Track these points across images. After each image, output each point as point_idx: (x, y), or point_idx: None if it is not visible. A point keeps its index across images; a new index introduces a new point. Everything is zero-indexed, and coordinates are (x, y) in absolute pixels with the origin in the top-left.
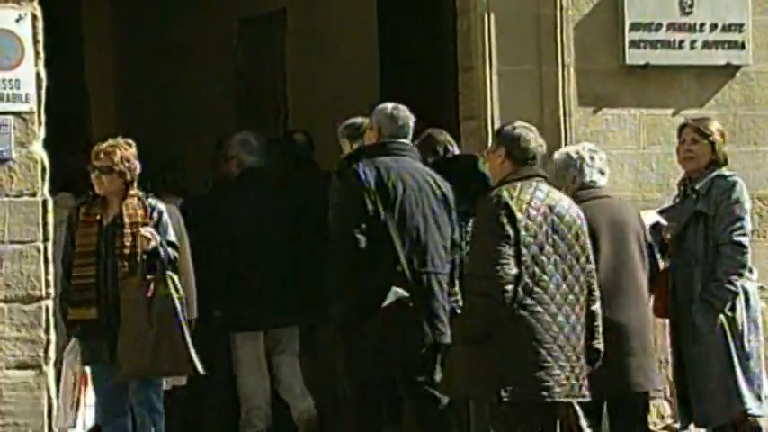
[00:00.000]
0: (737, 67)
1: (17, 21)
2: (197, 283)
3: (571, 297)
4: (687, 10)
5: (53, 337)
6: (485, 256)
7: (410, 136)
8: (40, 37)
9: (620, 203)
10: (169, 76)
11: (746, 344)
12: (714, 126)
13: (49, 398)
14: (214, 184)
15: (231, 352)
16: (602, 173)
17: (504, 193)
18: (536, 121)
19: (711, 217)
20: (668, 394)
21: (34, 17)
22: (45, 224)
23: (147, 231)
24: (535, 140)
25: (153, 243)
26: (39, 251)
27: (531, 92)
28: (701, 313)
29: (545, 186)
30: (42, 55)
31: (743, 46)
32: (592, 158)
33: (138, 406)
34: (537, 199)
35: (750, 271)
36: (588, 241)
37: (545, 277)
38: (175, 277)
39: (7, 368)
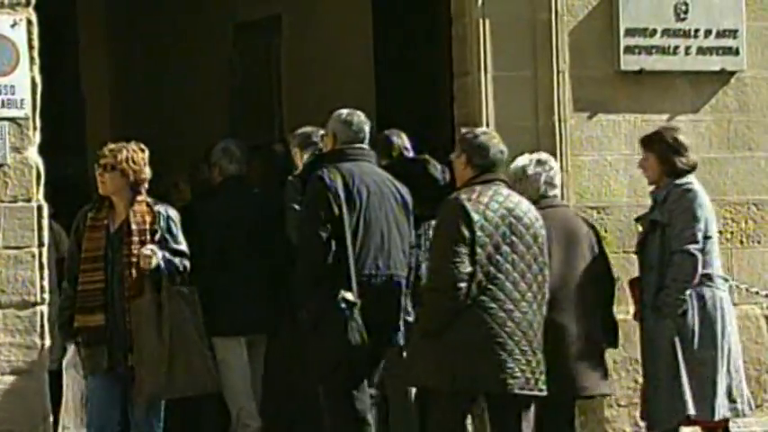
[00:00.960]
0: (732, 73)
1: (12, 26)
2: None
3: (529, 294)
4: (682, 16)
5: (48, 342)
6: (441, 255)
7: (366, 140)
8: (36, 42)
9: (572, 213)
10: (164, 81)
11: (698, 350)
12: (666, 136)
13: (44, 404)
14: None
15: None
16: (555, 184)
17: (463, 196)
18: (531, 127)
19: (666, 225)
20: None
21: (29, 23)
22: (40, 229)
23: (147, 249)
24: (496, 147)
25: (155, 261)
26: (33, 256)
27: (526, 97)
28: (652, 319)
29: (505, 190)
30: (37, 60)
31: (737, 52)
32: (550, 168)
33: (137, 426)
34: (495, 202)
35: (709, 278)
36: (546, 243)
37: (500, 276)
38: (185, 290)
39: (2, 374)
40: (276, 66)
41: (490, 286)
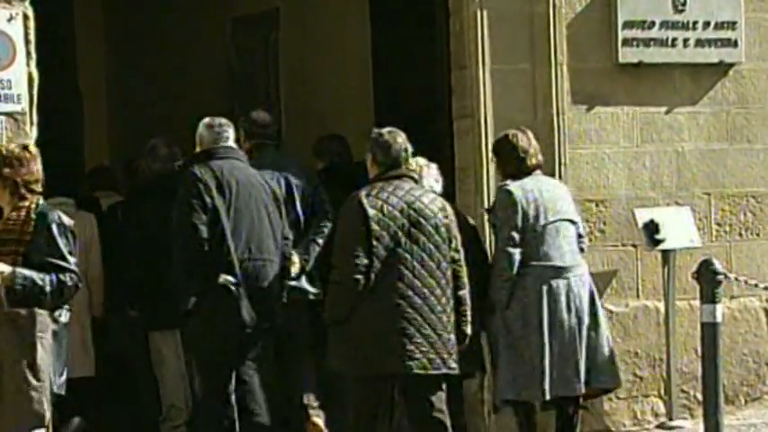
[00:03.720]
0: (730, 65)
1: (8, 21)
2: (116, 284)
3: (430, 281)
4: (680, 8)
5: None
6: (341, 250)
7: (230, 141)
8: (32, 37)
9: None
10: (162, 75)
11: (523, 337)
12: (505, 142)
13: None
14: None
15: (151, 352)
16: (437, 181)
17: (362, 193)
18: (529, 120)
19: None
20: (663, 392)
21: (26, 17)
22: None
23: None
24: (399, 145)
25: None
26: None
27: (524, 90)
28: (486, 312)
29: (407, 185)
30: (34, 55)
31: (735, 44)
32: (428, 167)
33: None
34: (395, 196)
35: (537, 268)
36: (455, 233)
37: (399, 265)
38: (22, 312)
39: None
40: (274, 60)
41: (389, 276)
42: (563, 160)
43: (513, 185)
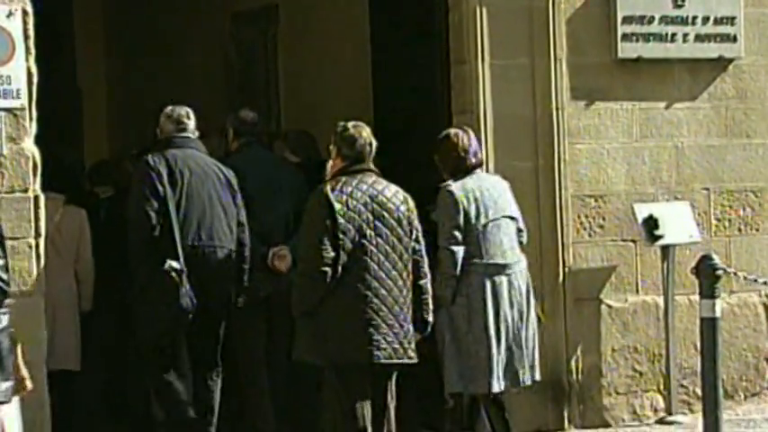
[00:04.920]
0: (730, 60)
1: (8, 16)
2: (106, 278)
3: (394, 273)
4: (679, 3)
5: (45, 334)
6: (308, 243)
7: (189, 131)
8: (31, 33)
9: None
10: (160, 71)
11: (469, 332)
12: (448, 139)
13: (43, 398)
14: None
15: None
16: None
17: (327, 187)
18: (528, 115)
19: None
20: (662, 387)
21: (25, 13)
22: (37, 220)
23: None
24: (363, 139)
25: None
26: (30, 247)
27: (523, 85)
28: (435, 307)
29: (370, 178)
30: (33, 51)
31: (735, 39)
32: None
33: None
34: (358, 190)
35: (480, 265)
36: (416, 224)
37: (365, 258)
38: None
39: None
40: (273, 56)
41: (356, 268)
42: (562, 156)
43: (455, 186)
